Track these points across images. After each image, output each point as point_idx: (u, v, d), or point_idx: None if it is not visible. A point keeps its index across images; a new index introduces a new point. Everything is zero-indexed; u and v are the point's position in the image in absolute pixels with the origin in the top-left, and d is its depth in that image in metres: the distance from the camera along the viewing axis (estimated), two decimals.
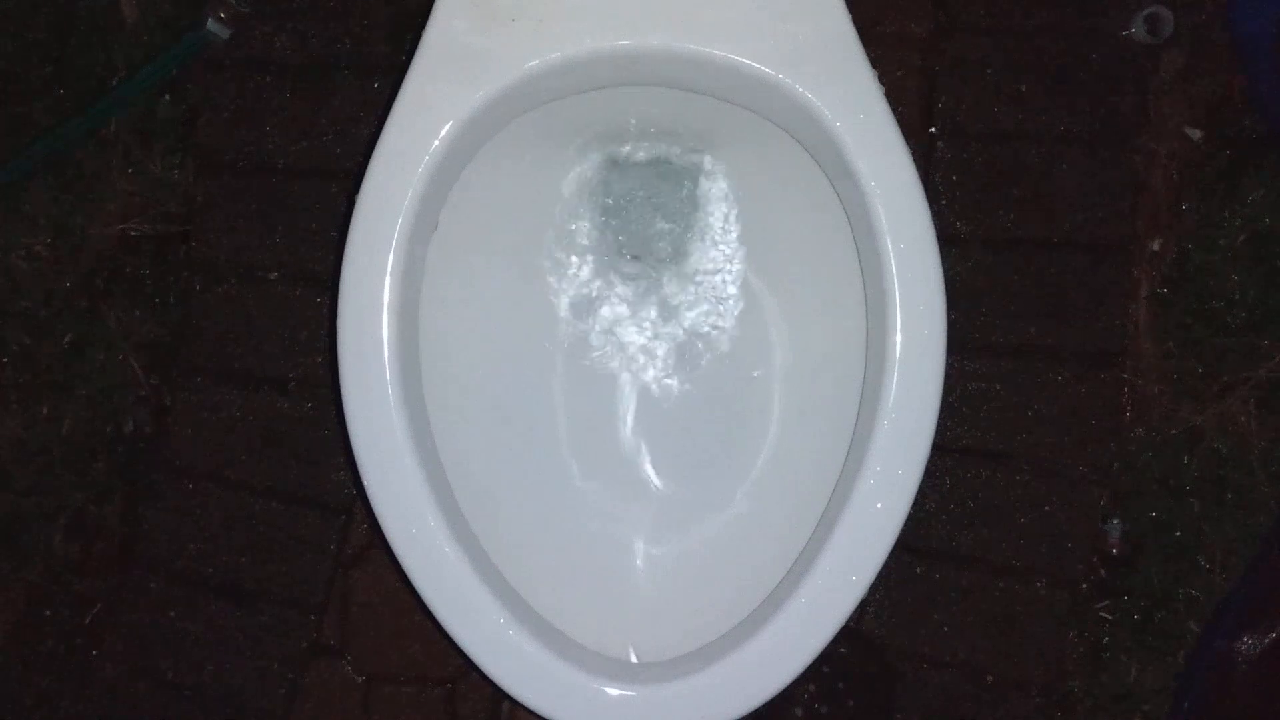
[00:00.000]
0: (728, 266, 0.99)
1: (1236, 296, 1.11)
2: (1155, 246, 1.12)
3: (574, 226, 1.00)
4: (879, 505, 0.76)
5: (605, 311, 0.99)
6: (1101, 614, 1.10)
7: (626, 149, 1.00)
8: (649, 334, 0.99)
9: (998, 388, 1.10)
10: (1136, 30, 1.10)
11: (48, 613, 1.18)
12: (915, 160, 0.79)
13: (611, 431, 0.98)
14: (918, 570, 1.09)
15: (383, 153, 0.80)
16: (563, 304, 0.99)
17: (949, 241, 1.10)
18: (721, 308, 0.99)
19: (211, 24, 1.14)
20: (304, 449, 1.14)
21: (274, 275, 1.16)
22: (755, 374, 0.97)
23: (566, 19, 0.80)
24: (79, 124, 1.17)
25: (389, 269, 0.78)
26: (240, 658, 1.13)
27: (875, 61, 0.80)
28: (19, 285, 1.20)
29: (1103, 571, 1.10)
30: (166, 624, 1.14)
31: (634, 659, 0.86)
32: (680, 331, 0.99)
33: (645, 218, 1.00)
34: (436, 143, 0.79)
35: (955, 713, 1.08)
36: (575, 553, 0.93)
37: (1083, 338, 1.09)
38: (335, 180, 1.15)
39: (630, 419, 0.98)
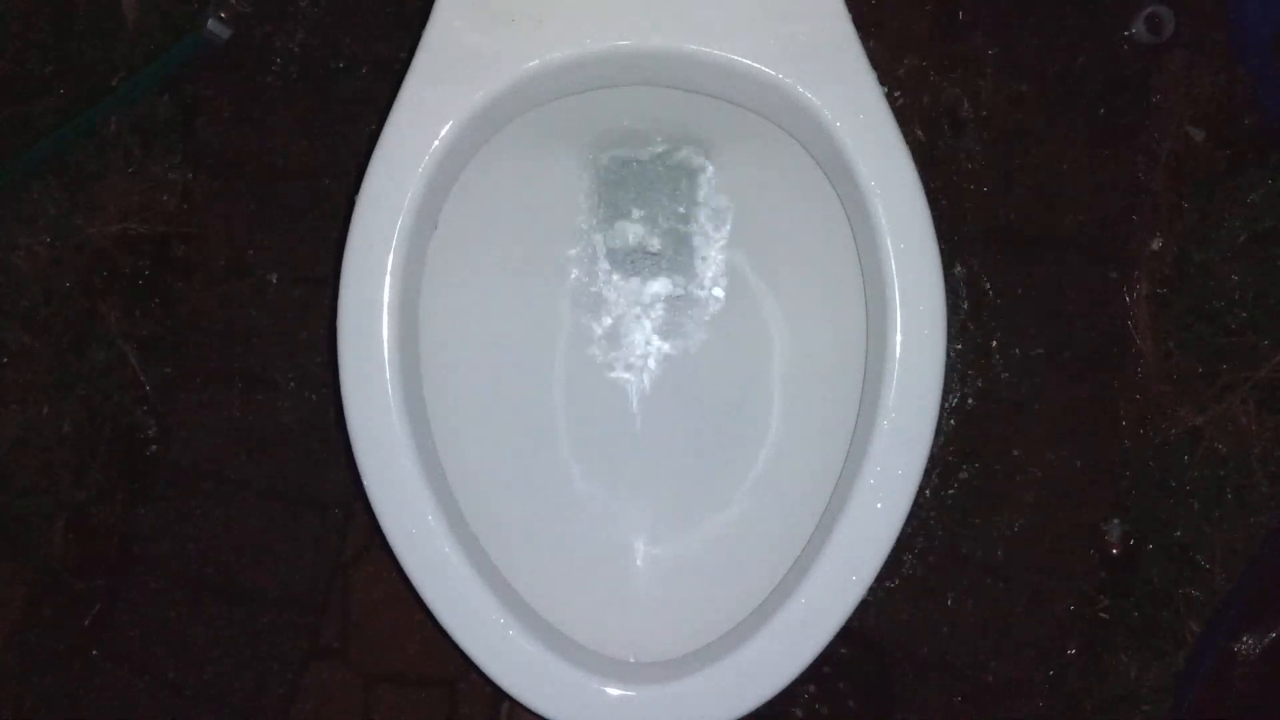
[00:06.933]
0: (727, 266, 0.99)
1: (1236, 296, 1.10)
2: (1155, 246, 1.12)
3: (574, 226, 1.00)
4: (879, 505, 0.76)
5: (605, 311, 0.99)
6: (1101, 614, 1.10)
7: (626, 149, 1.00)
8: (649, 334, 0.99)
9: (998, 387, 1.10)
10: (1137, 30, 1.10)
11: (48, 613, 1.18)
12: (915, 160, 0.79)
13: (611, 431, 0.98)
14: (918, 570, 1.09)
15: (383, 153, 0.79)
16: (563, 304, 0.99)
17: (950, 242, 1.10)
18: (721, 308, 0.99)
19: (212, 24, 1.14)
20: (304, 449, 1.14)
21: (274, 275, 1.16)
22: (755, 374, 0.97)
23: (566, 19, 0.80)
24: (79, 124, 1.17)
25: (389, 269, 0.78)
26: (240, 658, 1.13)
27: (875, 62, 0.80)
28: (19, 285, 1.20)
29: (1103, 571, 1.10)
30: (166, 624, 1.14)
31: (634, 659, 0.86)
32: (680, 331, 0.99)
33: (645, 218, 1.00)
34: (436, 143, 0.79)
35: (955, 713, 1.08)
36: (575, 553, 0.93)
37: (1083, 338, 1.09)
38: (335, 180, 1.15)
39: (630, 419, 0.98)
